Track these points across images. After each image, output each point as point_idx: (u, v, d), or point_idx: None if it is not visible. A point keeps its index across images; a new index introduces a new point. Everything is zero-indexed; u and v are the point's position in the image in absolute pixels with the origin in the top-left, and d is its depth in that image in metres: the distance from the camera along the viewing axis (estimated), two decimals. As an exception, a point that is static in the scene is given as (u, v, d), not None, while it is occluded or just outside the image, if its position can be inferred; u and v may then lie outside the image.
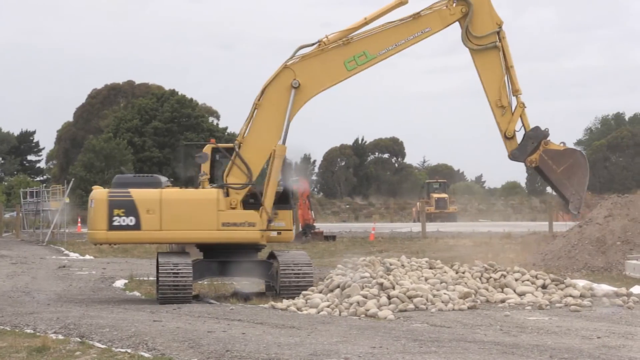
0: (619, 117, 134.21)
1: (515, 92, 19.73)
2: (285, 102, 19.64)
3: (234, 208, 19.70)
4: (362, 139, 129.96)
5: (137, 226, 19.75)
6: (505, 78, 19.75)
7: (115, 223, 19.75)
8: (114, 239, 20.46)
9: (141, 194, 19.89)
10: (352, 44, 19.74)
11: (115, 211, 19.78)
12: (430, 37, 19.79)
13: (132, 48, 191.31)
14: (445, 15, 19.72)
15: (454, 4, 19.72)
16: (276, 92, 19.73)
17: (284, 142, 19.66)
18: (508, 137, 19.80)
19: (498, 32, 19.66)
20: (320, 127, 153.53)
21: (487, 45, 19.69)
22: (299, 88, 19.65)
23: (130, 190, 19.96)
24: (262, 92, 19.83)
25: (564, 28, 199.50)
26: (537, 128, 19.79)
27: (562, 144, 19.96)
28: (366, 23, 19.81)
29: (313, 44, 19.82)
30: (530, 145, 19.81)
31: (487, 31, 19.66)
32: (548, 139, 19.78)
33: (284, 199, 20.18)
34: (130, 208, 19.80)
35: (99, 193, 20.15)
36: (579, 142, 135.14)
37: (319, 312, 16.74)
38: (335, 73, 19.90)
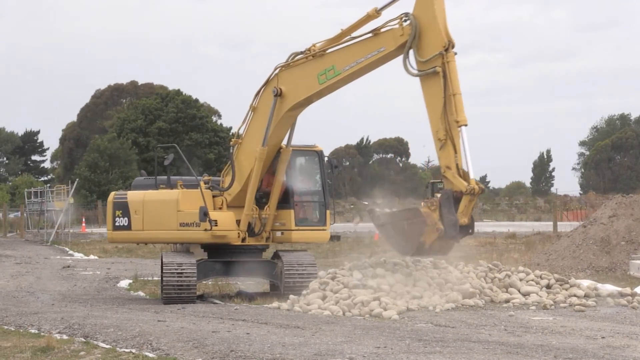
0: (624, 117, 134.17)
1: (457, 123, 16.82)
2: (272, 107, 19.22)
3: (220, 209, 19.90)
4: (367, 139, 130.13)
5: (129, 226, 20.47)
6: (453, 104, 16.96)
7: (117, 224, 20.70)
8: (117, 239, 21.49)
9: (132, 195, 20.60)
10: (325, 56, 18.44)
11: (117, 212, 20.58)
12: (391, 60, 17.78)
13: (136, 48, 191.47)
14: (396, 35, 17.41)
15: (405, 23, 17.35)
16: (268, 97, 19.37)
17: (264, 145, 19.34)
18: (442, 175, 17.14)
19: (443, 55, 16.92)
20: (325, 127, 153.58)
21: (427, 71, 17.06)
22: (281, 96, 19.04)
23: (128, 192, 20.74)
24: (257, 95, 19.67)
25: (575, 28, 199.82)
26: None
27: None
28: (342, 34, 18.51)
29: (302, 52, 18.94)
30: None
31: (431, 54, 17.00)
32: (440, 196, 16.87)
33: (284, 199, 20.21)
34: (125, 209, 20.53)
35: (110, 195, 21.36)
36: (583, 142, 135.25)
37: (323, 312, 16.73)
38: (309, 85, 18.73)
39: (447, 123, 16.87)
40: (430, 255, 18.11)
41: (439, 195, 17.27)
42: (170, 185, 20.67)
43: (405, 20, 17.40)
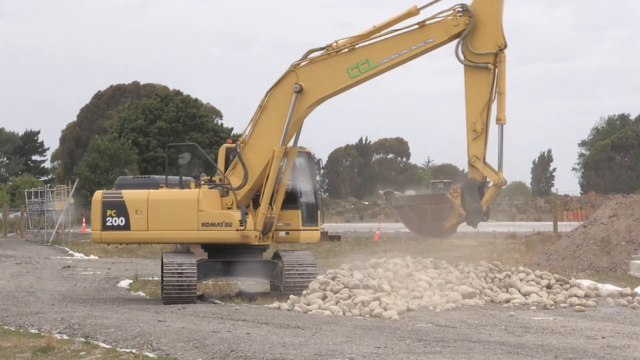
0: (624, 117, 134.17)
1: (498, 120, 18.15)
2: (289, 105, 19.29)
3: (229, 208, 19.77)
4: (367, 139, 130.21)
5: (126, 226, 19.99)
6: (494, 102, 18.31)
7: (108, 223, 20.12)
8: (107, 239, 20.70)
9: (131, 194, 20.13)
10: (357, 50, 18.96)
11: (109, 212, 20.09)
12: (435, 50, 18.74)
13: (137, 49, 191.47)
14: (449, 25, 18.35)
15: (459, 15, 18.34)
16: (281, 95, 19.40)
17: (283, 144, 19.46)
18: (471, 164, 18.32)
19: (497, 54, 18.11)
20: (325, 127, 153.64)
21: (479, 64, 18.13)
22: (301, 92, 19.23)
23: (122, 191, 20.25)
24: (268, 93, 19.65)
25: (576, 28, 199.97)
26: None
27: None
28: (375, 31, 18.99)
29: (322, 48, 19.26)
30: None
31: (486, 50, 18.13)
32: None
33: (291, 199, 20.19)
34: (121, 209, 20.05)
35: (96, 194, 20.66)
36: (584, 142, 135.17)
37: (323, 312, 16.73)
38: (337, 80, 19.14)
39: (488, 118, 18.10)
40: (440, 237, 20.12)
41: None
42: (181, 185, 20.47)
43: (459, 11, 18.34)
